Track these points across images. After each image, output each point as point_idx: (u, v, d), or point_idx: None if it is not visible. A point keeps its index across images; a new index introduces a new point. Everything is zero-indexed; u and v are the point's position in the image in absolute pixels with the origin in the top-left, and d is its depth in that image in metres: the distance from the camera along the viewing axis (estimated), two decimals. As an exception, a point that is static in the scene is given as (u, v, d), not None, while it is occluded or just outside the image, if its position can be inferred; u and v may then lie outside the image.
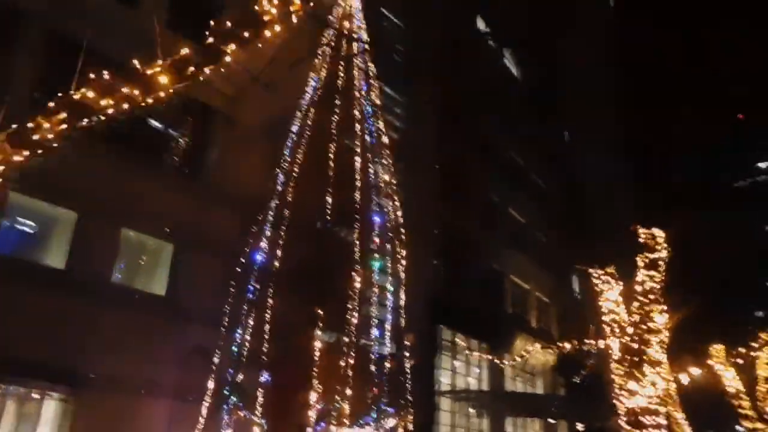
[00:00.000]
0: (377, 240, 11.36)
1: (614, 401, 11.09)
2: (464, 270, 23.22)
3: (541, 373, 27.10)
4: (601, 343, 11.56)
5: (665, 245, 11.52)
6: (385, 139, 12.74)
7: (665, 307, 11.36)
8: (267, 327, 10.04)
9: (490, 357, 19.01)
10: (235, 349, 10.10)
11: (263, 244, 10.81)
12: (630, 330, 11.14)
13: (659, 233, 11.67)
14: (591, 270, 12.06)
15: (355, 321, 10.09)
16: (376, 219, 11.42)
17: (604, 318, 11.69)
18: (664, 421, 10.68)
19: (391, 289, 11.61)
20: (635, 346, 10.95)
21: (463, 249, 23.41)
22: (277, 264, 10.53)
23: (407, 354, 10.99)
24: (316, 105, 12.17)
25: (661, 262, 11.48)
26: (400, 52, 22.30)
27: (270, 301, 10.26)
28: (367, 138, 12.37)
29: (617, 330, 11.29)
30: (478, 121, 25.49)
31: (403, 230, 11.61)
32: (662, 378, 10.93)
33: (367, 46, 12.96)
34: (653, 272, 11.39)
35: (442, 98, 23.25)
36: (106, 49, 11.26)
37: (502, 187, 26.95)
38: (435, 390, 19.88)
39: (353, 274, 10.46)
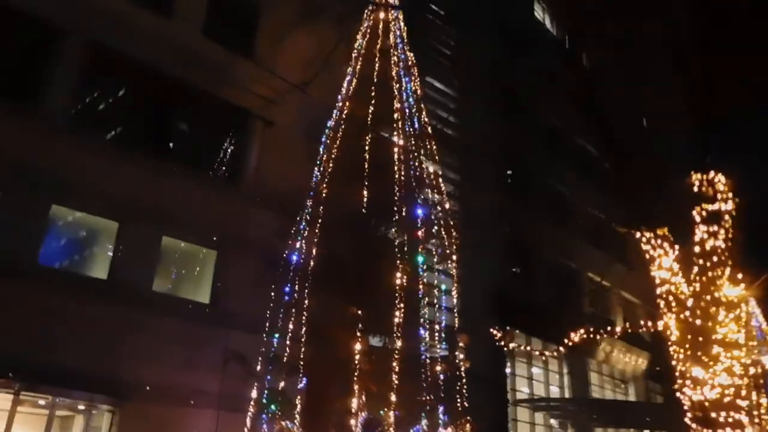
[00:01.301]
0: (421, 235, 10.60)
1: (678, 394, 9.19)
2: (537, 269, 21.75)
3: (632, 378, 24.87)
4: (660, 324, 9.55)
5: (730, 194, 9.41)
6: (430, 130, 12.07)
7: (738, 274, 9.25)
8: (307, 330, 9.54)
9: (553, 356, 17.10)
10: (273, 354, 9.64)
11: (301, 244, 10.33)
12: (690, 303, 9.15)
13: (720, 178, 9.49)
14: (639, 233, 10.01)
15: (398, 321, 9.36)
16: (420, 213, 10.67)
17: (658, 291, 9.56)
18: (746, 418, 8.67)
19: (444, 287, 10.72)
20: (698, 322, 8.97)
21: (534, 246, 21.97)
22: (314, 264, 10.00)
23: (462, 357, 10.08)
24: (352, 97, 11.64)
25: (726, 216, 9.21)
26: (450, 46, 21.42)
27: (309, 302, 9.75)
28: (409, 128, 11.70)
29: (674, 305, 9.28)
30: (542, 109, 24.03)
31: (453, 225, 10.72)
32: (741, 363, 8.94)
33: (404, 33, 12.34)
34: (715, 228, 9.18)
35: (502, 89, 22.11)
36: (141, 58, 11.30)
37: (574, 180, 25.17)
38: (508, 399, 18.51)
39: (396, 271, 9.73)
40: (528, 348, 19.03)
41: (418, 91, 12.15)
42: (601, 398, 22.62)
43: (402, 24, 12.25)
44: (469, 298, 17.55)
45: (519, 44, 23.26)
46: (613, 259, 25.28)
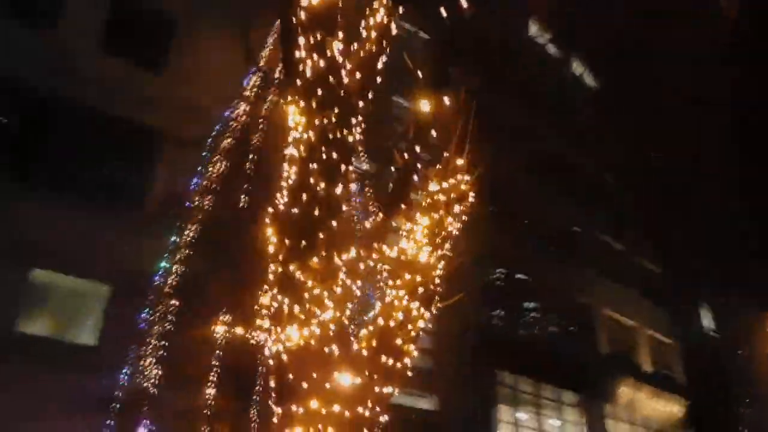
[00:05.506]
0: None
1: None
2: (540, 306, 19.34)
3: (665, 429, 21.48)
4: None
5: None
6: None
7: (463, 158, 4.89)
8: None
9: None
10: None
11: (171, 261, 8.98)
12: (294, 172, 4.45)
13: None
14: None
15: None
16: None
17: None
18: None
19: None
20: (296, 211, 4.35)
21: (535, 283, 19.55)
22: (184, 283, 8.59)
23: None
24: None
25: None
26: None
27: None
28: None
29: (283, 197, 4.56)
30: (541, 137, 22.11)
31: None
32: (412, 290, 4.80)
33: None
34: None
35: (491, 116, 20.38)
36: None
37: (581, 209, 22.75)
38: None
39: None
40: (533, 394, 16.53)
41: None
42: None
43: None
44: (445, 337, 15.42)
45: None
46: (640, 296, 22.31)
